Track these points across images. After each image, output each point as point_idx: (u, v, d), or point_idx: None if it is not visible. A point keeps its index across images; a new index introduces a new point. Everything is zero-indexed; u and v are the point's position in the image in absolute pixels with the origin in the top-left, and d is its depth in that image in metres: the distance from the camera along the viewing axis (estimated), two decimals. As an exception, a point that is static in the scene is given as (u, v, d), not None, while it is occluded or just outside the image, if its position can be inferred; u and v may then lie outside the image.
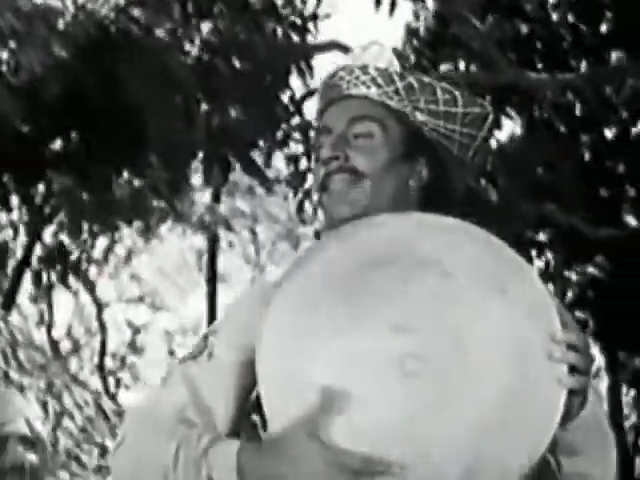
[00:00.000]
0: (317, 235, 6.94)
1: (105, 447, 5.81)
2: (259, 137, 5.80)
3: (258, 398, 1.38)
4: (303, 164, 6.34)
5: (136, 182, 9.80)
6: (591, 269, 8.20)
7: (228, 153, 5.80)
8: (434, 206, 1.56)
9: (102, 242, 13.77)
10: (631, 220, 7.59)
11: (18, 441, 2.35)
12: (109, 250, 14.96)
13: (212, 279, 19.17)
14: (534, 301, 1.33)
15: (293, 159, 6.38)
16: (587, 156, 6.64)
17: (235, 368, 1.47)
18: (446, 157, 1.62)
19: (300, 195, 6.54)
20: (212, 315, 19.20)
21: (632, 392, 9.91)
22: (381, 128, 1.56)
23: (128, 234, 13.98)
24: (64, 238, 11.58)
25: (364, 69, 1.59)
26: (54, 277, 12.06)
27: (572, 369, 1.30)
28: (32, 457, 2.35)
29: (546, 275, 9.72)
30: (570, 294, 9.71)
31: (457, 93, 1.60)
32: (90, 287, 17.25)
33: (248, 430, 1.47)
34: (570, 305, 10.17)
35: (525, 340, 1.29)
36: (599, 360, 10.61)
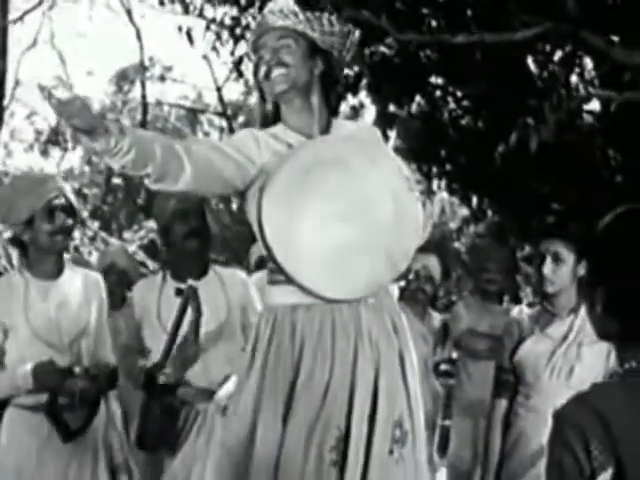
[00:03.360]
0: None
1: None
2: None
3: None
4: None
5: None
6: (382, 48, 9.32)
7: None
8: (327, 82, 2.89)
9: None
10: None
11: (61, 210, 3.37)
12: None
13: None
14: (387, 163, 2.72)
15: None
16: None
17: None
18: (331, 57, 2.90)
19: None
20: None
21: (398, 141, 11.50)
22: (294, 41, 2.82)
23: None
24: None
25: (281, 11, 2.82)
26: None
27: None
28: (70, 220, 3.39)
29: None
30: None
31: (334, 18, 2.89)
32: None
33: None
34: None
35: (395, 184, 2.68)
36: (372, 113, 12.05)
